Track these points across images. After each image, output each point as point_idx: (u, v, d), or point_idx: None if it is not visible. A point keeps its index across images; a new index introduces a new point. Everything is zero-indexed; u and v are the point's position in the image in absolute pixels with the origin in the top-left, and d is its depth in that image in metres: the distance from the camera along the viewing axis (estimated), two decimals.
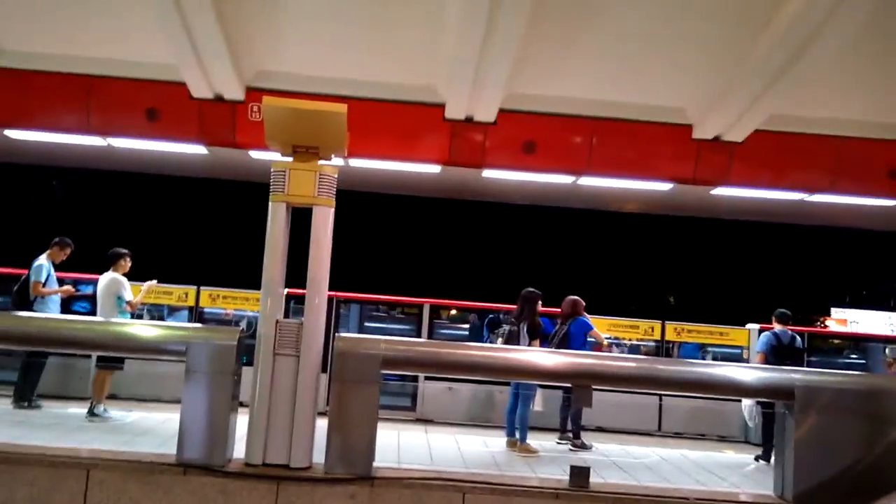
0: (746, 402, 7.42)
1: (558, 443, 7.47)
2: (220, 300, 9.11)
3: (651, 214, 13.69)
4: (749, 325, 9.58)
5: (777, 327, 7.61)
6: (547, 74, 8.31)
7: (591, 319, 7.80)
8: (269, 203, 4.82)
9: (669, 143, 8.83)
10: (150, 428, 6.55)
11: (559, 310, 7.86)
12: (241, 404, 4.72)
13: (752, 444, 8.10)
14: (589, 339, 7.67)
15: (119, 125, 8.68)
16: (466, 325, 10.87)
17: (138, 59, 8.29)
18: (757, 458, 7.26)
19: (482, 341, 7.77)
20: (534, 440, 7.05)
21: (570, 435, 7.42)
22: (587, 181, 9.29)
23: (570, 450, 7.18)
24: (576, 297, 7.80)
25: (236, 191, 12.63)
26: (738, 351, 9.55)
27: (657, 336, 9.44)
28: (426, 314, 9.22)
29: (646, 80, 8.34)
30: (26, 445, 4.73)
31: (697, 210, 11.88)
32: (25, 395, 7.12)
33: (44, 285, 7.20)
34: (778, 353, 7.32)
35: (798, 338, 7.69)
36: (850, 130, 8.60)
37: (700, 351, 9.82)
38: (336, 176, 4.89)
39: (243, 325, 8.92)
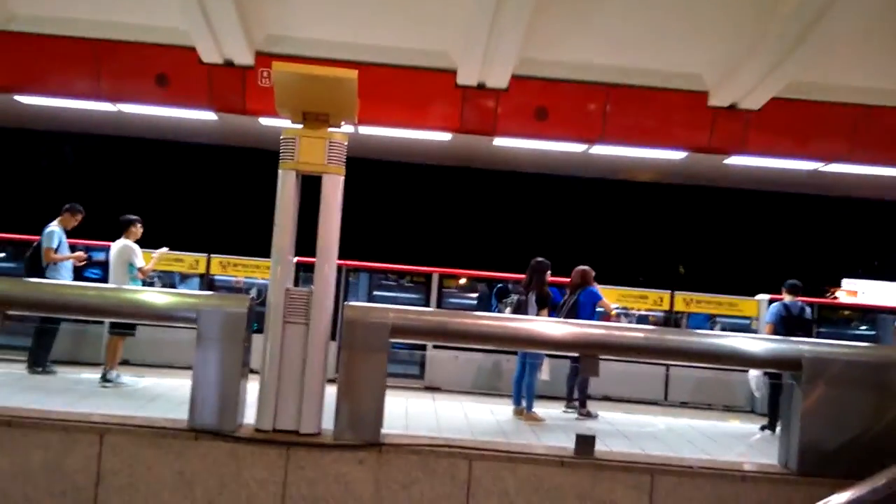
0: (753, 373, 7.44)
1: (565, 411, 7.54)
2: (231, 268, 9.17)
3: (663, 184, 13.56)
4: (759, 296, 9.54)
5: (787, 298, 7.58)
6: (561, 40, 8.16)
7: (600, 289, 7.79)
8: (279, 170, 4.79)
9: (684, 110, 8.69)
10: (162, 393, 6.65)
11: (568, 279, 7.85)
12: (252, 371, 4.77)
13: (758, 415, 8.14)
14: (598, 310, 7.68)
15: (129, 91, 8.65)
16: (475, 295, 10.90)
17: (148, 23, 8.22)
18: (762, 428, 7.30)
19: (491, 311, 7.79)
20: (540, 409, 7.12)
21: (577, 403, 7.48)
22: (600, 149, 9.19)
23: (577, 418, 7.25)
24: (585, 267, 7.79)
25: (247, 158, 12.60)
26: (748, 322, 9.52)
27: (666, 306, 9.42)
28: (435, 283, 9.24)
29: (662, 46, 8.18)
30: (41, 410, 4.80)
31: (710, 179, 11.75)
32: (39, 361, 7.23)
33: (56, 251, 7.25)
34: (787, 324, 7.30)
35: (808, 309, 7.66)
36: (871, 98, 8.42)
37: (709, 321, 9.81)
38: (346, 143, 4.85)
39: (253, 292, 8.97)
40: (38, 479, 4.33)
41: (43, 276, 7.07)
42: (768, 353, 5.10)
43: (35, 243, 7.41)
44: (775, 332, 7.26)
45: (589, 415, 7.32)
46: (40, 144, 16.54)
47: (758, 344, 5.37)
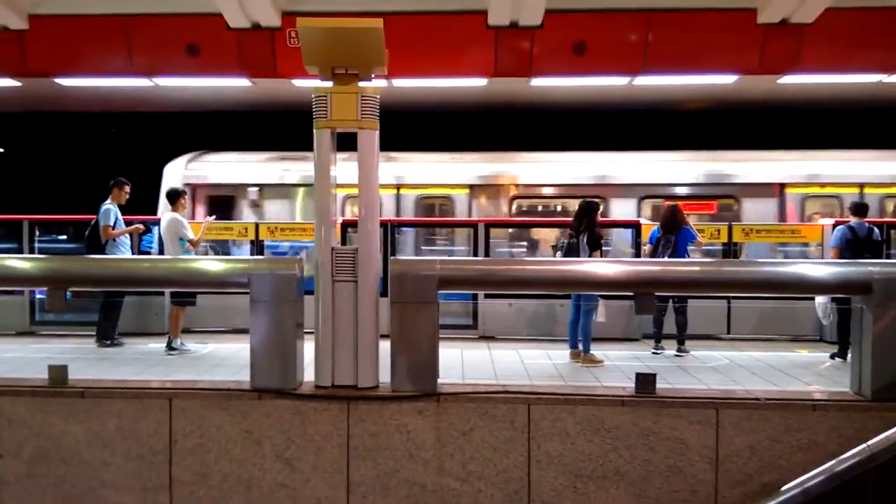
0: (820, 300, 7.15)
1: (654, 353, 7.35)
2: (279, 232, 9.27)
3: (714, 111, 13.00)
4: (822, 220, 9.11)
5: (853, 220, 7.21)
6: None
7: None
8: (314, 130, 4.75)
9: (731, 30, 8.24)
10: (225, 357, 6.85)
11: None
12: (307, 332, 4.84)
13: (828, 343, 7.86)
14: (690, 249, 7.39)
15: (161, 64, 8.72)
16: (524, 243, 10.75)
17: None
18: (832, 356, 7.06)
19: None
20: (597, 350, 7.03)
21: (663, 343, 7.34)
22: (644, 80, 8.83)
23: (676, 355, 7.15)
24: (677, 205, 7.42)
25: (284, 121, 12.63)
26: (811, 249, 9.13)
27: (724, 239, 9.08)
28: (482, 234, 9.13)
29: None
30: (112, 380, 5.02)
31: (763, 102, 11.19)
32: (108, 334, 7.53)
33: (113, 227, 7.46)
34: (854, 248, 6.96)
35: (876, 230, 7.26)
36: None
37: (771, 252, 9.44)
38: (378, 97, 4.76)
39: (303, 254, 9.06)
40: (114, 444, 4.54)
41: (103, 253, 7.30)
42: (835, 278, 4.88)
43: (93, 222, 7.63)
44: (841, 257, 6.93)
45: (685, 351, 7.20)
46: (87, 127, 16.95)
47: (823, 269, 5.14)
